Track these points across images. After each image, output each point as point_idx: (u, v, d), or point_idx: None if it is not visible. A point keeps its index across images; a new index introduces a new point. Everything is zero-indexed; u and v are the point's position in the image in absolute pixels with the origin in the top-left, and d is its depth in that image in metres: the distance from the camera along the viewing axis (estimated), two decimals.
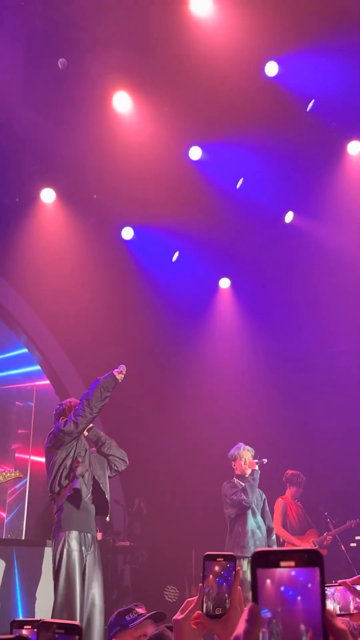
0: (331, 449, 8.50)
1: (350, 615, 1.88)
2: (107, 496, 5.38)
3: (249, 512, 6.17)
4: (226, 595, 1.45)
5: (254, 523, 6.12)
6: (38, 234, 8.33)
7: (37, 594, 6.30)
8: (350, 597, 1.88)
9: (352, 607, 1.87)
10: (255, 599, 0.78)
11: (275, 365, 9.07)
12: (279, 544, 6.38)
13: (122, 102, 7.56)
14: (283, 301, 9.21)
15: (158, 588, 8.39)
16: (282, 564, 0.79)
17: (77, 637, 1.00)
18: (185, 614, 1.57)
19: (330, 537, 7.18)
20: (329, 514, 7.29)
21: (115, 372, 5.29)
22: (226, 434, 8.51)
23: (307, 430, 8.83)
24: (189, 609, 1.57)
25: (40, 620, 1.33)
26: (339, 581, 1.89)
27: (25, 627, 1.30)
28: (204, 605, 1.48)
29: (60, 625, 1.01)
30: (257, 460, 6.31)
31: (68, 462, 5.25)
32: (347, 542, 7.66)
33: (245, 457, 6.35)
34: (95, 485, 5.37)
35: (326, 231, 8.66)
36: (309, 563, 0.79)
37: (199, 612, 1.53)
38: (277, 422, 8.68)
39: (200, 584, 1.49)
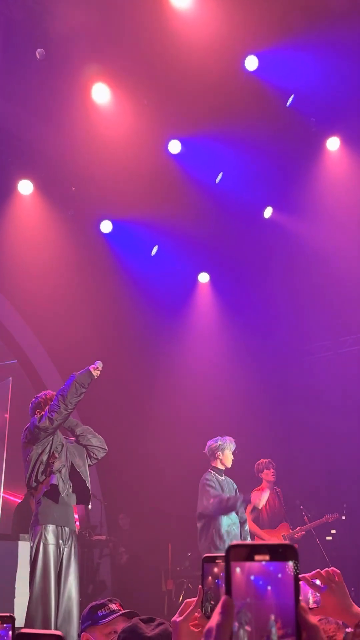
0: (308, 443, 8.56)
1: (309, 609, 1.89)
2: (88, 484, 5.41)
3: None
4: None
5: (229, 521, 5.93)
6: (15, 226, 8.24)
7: (13, 588, 6.26)
8: (310, 592, 1.89)
9: (311, 601, 1.89)
10: (228, 592, 0.78)
11: (252, 360, 9.10)
12: (250, 535, 6.35)
13: (101, 94, 7.50)
14: (261, 296, 9.24)
15: (133, 582, 8.39)
16: (257, 557, 0.79)
17: None
18: (184, 615, 1.57)
19: (303, 531, 7.18)
20: (305, 508, 7.33)
21: (91, 368, 5.29)
22: (203, 430, 8.52)
23: (284, 425, 8.88)
24: (188, 610, 1.57)
25: (10, 615, 1.31)
26: (299, 576, 1.89)
27: None
28: (203, 606, 1.48)
29: (40, 636, 0.95)
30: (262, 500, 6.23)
31: (44, 458, 5.24)
32: (323, 535, 7.72)
33: (229, 449, 6.19)
34: (76, 475, 5.37)
35: (305, 227, 8.70)
36: (284, 557, 0.79)
37: (198, 614, 1.52)
38: (254, 417, 8.71)
39: (200, 586, 1.49)
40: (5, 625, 1.29)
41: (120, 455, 8.96)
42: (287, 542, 0.81)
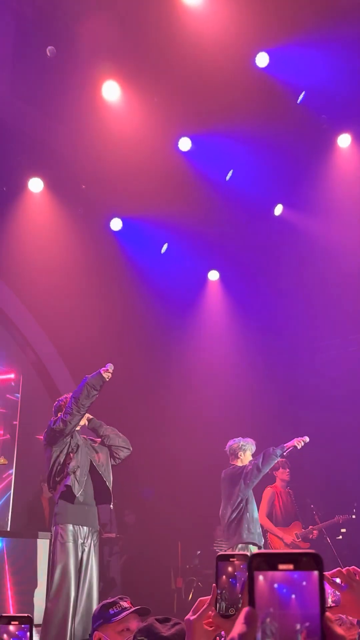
0: (317, 442, 8.53)
1: (329, 608, 1.88)
2: (109, 484, 5.46)
3: (255, 503, 6.18)
4: (239, 595, 1.44)
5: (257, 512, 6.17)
6: (25, 224, 8.25)
7: (28, 587, 6.28)
8: (329, 591, 1.88)
9: (330, 600, 1.88)
10: (252, 602, 0.77)
11: (262, 357, 9.08)
12: (263, 532, 6.41)
13: (112, 92, 7.49)
14: (271, 294, 9.22)
15: (143, 580, 8.40)
16: (281, 567, 0.77)
17: None
18: (198, 614, 1.56)
19: (316, 531, 7.19)
20: (315, 507, 7.31)
21: (102, 370, 5.37)
22: (214, 427, 8.52)
23: (293, 423, 8.85)
24: (202, 609, 1.56)
25: (28, 616, 1.31)
26: None
27: (12, 622, 1.27)
28: (217, 605, 1.48)
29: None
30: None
31: (61, 459, 5.36)
32: (334, 535, 7.70)
33: (250, 450, 6.32)
34: (97, 475, 5.44)
35: (315, 224, 8.66)
36: (308, 566, 0.77)
37: (212, 612, 1.52)
38: (264, 414, 8.69)
39: (214, 584, 1.48)
40: (23, 626, 1.29)
41: (130, 453, 8.97)
42: (312, 550, 0.79)
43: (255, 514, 6.12)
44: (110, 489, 5.50)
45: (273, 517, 7.13)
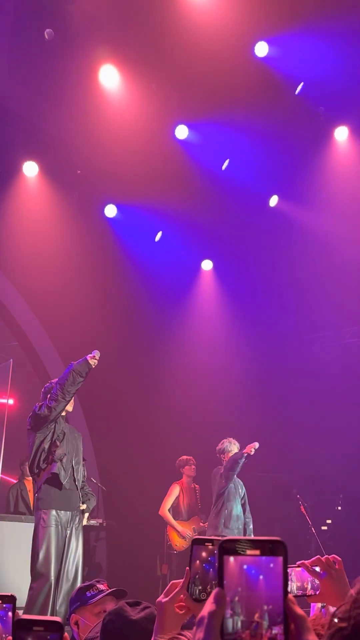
0: (306, 432, 8.57)
1: (307, 596, 1.91)
2: (77, 483, 5.44)
3: (237, 498, 6.67)
4: (212, 581, 1.45)
5: (238, 510, 6.66)
6: (19, 208, 8.21)
7: (12, 570, 6.31)
8: (309, 579, 1.90)
9: (309, 588, 1.90)
10: (221, 584, 0.83)
11: (254, 348, 9.09)
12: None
13: (109, 77, 7.44)
14: (264, 285, 9.22)
15: (129, 566, 8.44)
16: (249, 552, 0.84)
17: (58, 634, 0.96)
18: (170, 596, 1.56)
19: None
20: (301, 497, 7.35)
21: (88, 357, 5.37)
22: (204, 417, 8.55)
23: (283, 413, 8.89)
24: (174, 592, 1.56)
25: (11, 595, 1.31)
26: (298, 562, 1.92)
27: None
28: (190, 589, 1.49)
29: (39, 622, 0.97)
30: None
31: (46, 445, 5.35)
32: (318, 525, 7.75)
33: (234, 451, 6.81)
34: (81, 462, 5.52)
35: (310, 216, 8.66)
36: (274, 552, 0.84)
37: (184, 595, 1.52)
38: (255, 404, 8.72)
39: (187, 568, 1.48)
40: (5, 605, 1.29)
41: (119, 440, 8.99)
42: (278, 538, 0.86)
43: (235, 511, 6.63)
44: (78, 487, 5.48)
45: (177, 511, 7.51)
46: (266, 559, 0.84)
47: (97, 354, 5.38)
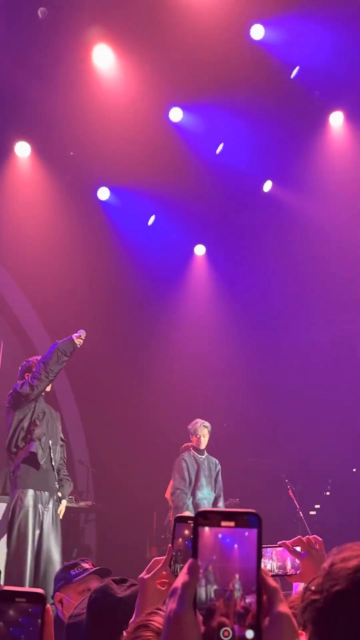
0: (297, 417, 8.61)
1: (287, 575, 1.92)
2: (54, 464, 5.41)
3: (197, 489, 6.59)
4: None
5: (201, 495, 6.56)
6: (10, 188, 8.15)
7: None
8: (289, 558, 1.92)
9: (289, 567, 1.92)
10: (195, 554, 0.83)
11: (245, 333, 9.09)
12: None
13: (103, 57, 7.36)
14: (258, 270, 9.20)
15: (118, 548, 8.49)
16: (223, 523, 0.84)
17: (40, 606, 0.96)
18: (151, 573, 1.57)
19: None
20: (290, 482, 7.40)
21: (74, 336, 5.33)
22: (195, 401, 8.56)
23: (275, 399, 8.91)
24: (156, 569, 1.57)
25: None
26: (279, 542, 1.93)
27: None
28: (172, 566, 1.50)
29: (21, 594, 0.96)
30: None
31: (25, 424, 5.31)
32: (307, 510, 7.81)
33: (201, 433, 6.74)
34: (60, 442, 5.47)
35: (304, 202, 8.63)
36: (249, 524, 0.84)
37: (166, 572, 1.53)
38: (246, 388, 8.75)
39: (170, 545, 1.49)
40: None
41: (109, 422, 9.01)
42: (252, 510, 0.86)
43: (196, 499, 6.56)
44: (55, 468, 5.47)
45: None
46: (241, 530, 0.84)
47: (82, 333, 5.34)
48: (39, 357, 5.62)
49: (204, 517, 0.85)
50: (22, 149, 8.01)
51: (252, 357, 9.08)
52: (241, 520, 0.84)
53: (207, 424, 6.79)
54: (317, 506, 8.33)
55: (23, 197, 8.20)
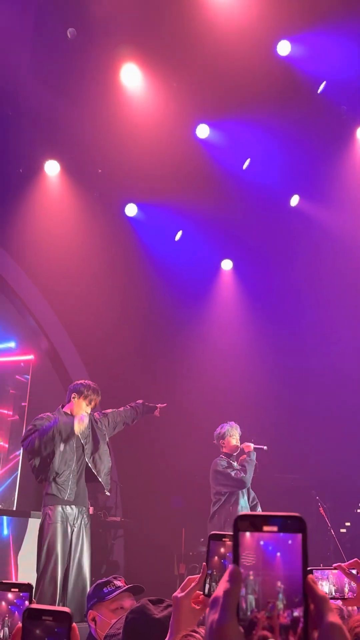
0: (326, 432, 8.51)
1: (345, 599, 1.87)
2: (100, 476, 5.44)
3: (242, 491, 6.24)
4: None
5: (244, 503, 6.22)
6: (41, 206, 8.25)
7: (32, 565, 6.34)
8: (346, 581, 1.87)
9: (347, 590, 1.87)
10: (236, 561, 0.79)
11: (274, 348, 9.04)
12: None
13: (131, 76, 7.45)
14: (285, 285, 9.17)
15: (146, 565, 8.44)
16: (265, 528, 0.80)
17: (65, 626, 0.95)
18: (186, 592, 1.55)
19: None
20: (320, 499, 7.30)
21: (77, 420, 5.34)
22: (223, 415, 8.50)
23: (303, 413, 8.83)
24: (190, 587, 1.55)
25: (28, 583, 1.31)
26: (335, 564, 1.88)
27: (12, 589, 1.28)
28: (206, 586, 1.45)
29: (48, 612, 0.96)
30: (253, 445, 6.37)
31: (42, 463, 5.33)
32: (337, 528, 7.69)
33: (235, 435, 6.48)
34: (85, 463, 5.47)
35: (331, 216, 8.59)
36: (292, 529, 0.79)
37: (200, 591, 1.51)
38: (274, 405, 8.68)
39: (204, 564, 1.46)
40: (22, 594, 1.29)
41: (138, 437, 8.99)
42: (296, 513, 0.81)
43: (240, 509, 6.19)
44: (101, 477, 5.47)
45: None
46: (284, 535, 0.79)
47: (86, 418, 5.36)
48: (89, 383, 5.64)
49: (245, 521, 0.81)
50: (52, 168, 8.12)
51: (280, 371, 9.01)
52: (284, 524, 0.80)
53: (236, 425, 6.67)
54: (348, 524, 8.19)
55: (53, 216, 8.30)
